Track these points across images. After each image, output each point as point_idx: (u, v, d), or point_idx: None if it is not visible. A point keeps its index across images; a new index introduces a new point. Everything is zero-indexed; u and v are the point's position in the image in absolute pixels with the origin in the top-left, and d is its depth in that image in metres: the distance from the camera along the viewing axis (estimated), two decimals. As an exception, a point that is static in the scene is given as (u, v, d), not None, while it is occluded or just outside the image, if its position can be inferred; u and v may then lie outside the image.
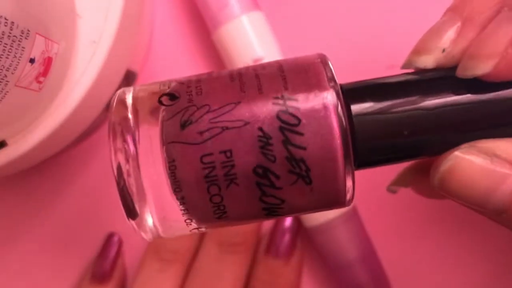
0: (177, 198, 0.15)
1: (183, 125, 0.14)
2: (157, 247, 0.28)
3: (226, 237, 0.27)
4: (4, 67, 0.19)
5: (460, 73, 0.15)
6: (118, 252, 0.29)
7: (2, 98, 0.20)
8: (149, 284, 0.27)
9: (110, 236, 0.29)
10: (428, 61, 0.16)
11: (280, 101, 0.14)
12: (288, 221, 0.28)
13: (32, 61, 0.20)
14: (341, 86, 0.15)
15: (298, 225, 0.28)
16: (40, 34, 0.20)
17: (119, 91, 0.16)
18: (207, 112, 0.14)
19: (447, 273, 0.30)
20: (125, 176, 0.15)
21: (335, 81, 0.15)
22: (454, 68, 0.16)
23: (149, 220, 0.15)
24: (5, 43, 0.18)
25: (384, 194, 0.30)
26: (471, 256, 0.30)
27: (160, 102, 0.15)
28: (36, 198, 0.31)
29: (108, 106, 0.26)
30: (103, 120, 0.28)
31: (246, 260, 0.27)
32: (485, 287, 0.30)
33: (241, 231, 0.27)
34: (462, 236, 0.30)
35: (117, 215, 0.30)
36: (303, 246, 0.30)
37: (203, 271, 0.27)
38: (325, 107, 0.14)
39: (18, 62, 0.20)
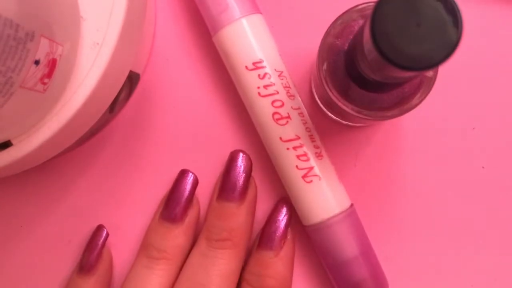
0: None
1: None
2: (146, 243, 0.28)
3: (213, 233, 0.28)
4: (9, 69, 0.19)
5: None
6: (103, 244, 0.29)
7: (7, 99, 0.20)
8: (136, 279, 0.28)
9: (97, 229, 0.30)
10: None
11: None
12: (279, 213, 0.29)
13: (37, 62, 0.20)
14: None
15: (289, 218, 0.29)
16: (44, 36, 0.20)
17: None
18: None
19: (444, 271, 0.30)
20: None
21: None
22: None
23: None
24: (10, 45, 0.19)
25: (382, 192, 0.30)
26: (469, 254, 0.30)
27: None
28: (40, 197, 0.31)
29: (111, 107, 0.26)
30: (107, 121, 0.29)
31: (234, 255, 0.28)
32: (483, 286, 0.30)
33: (227, 227, 0.27)
34: (461, 234, 0.30)
35: (120, 214, 0.31)
36: (302, 244, 0.30)
37: (191, 265, 0.28)
38: None
39: (23, 64, 0.20)
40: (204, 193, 0.30)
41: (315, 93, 0.29)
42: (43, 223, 0.31)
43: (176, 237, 0.28)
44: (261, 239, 0.28)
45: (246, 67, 0.27)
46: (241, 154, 0.28)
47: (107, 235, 0.30)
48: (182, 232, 0.28)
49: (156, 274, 0.28)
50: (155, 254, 0.28)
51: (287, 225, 0.28)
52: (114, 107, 0.27)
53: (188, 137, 0.31)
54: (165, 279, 0.28)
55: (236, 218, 0.28)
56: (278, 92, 0.27)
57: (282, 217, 0.28)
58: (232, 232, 0.27)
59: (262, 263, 0.28)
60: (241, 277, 0.28)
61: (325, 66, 0.24)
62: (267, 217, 0.29)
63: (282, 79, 0.28)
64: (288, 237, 0.28)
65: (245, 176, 0.28)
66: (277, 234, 0.28)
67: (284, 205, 0.29)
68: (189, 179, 0.29)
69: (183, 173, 0.29)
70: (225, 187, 0.28)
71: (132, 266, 0.29)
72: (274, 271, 0.27)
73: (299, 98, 0.28)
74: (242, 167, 0.28)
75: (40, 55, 0.20)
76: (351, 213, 0.28)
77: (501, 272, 0.30)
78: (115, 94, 0.26)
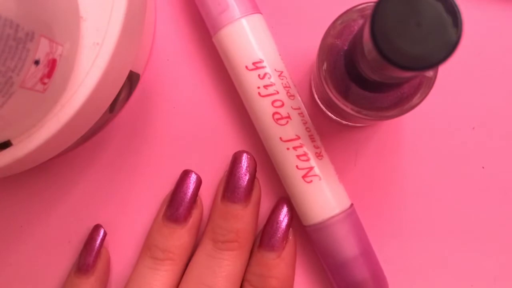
0: None
1: None
2: (149, 244, 0.28)
3: (219, 234, 0.28)
4: (9, 69, 0.19)
5: None
6: (101, 244, 0.29)
7: (7, 99, 0.20)
8: (141, 280, 0.28)
9: (94, 229, 0.30)
10: None
11: None
12: (279, 213, 0.29)
13: (37, 62, 0.20)
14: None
15: (290, 218, 0.28)
16: (44, 36, 0.20)
17: None
18: None
19: (444, 271, 0.30)
20: None
21: None
22: None
23: None
24: (10, 45, 0.19)
25: (382, 192, 0.30)
26: (469, 254, 0.30)
27: None
28: (40, 197, 0.31)
29: (111, 107, 0.26)
30: (107, 121, 0.29)
31: (240, 256, 0.28)
32: (483, 286, 0.30)
33: (234, 229, 0.28)
34: (461, 234, 0.30)
35: (120, 214, 0.31)
36: (302, 244, 0.30)
37: (198, 266, 0.28)
38: None
39: (23, 64, 0.20)
40: (204, 193, 0.30)
41: (315, 93, 0.29)
42: (43, 223, 0.31)
43: (180, 237, 0.28)
44: (263, 240, 0.28)
45: (246, 67, 0.27)
46: (245, 155, 0.28)
47: (105, 234, 0.30)
48: (186, 232, 0.28)
49: (161, 275, 0.28)
50: (160, 255, 0.28)
51: (288, 225, 0.28)
52: (114, 107, 0.27)
53: (188, 137, 0.31)
54: (170, 279, 0.28)
55: (242, 220, 0.28)
56: (278, 92, 0.27)
57: (283, 217, 0.28)
58: (238, 233, 0.28)
59: (264, 264, 0.28)
60: (243, 277, 0.28)
61: (325, 66, 0.24)
62: (268, 217, 0.29)
63: (282, 79, 0.28)
64: (290, 237, 0.28)
65: (250, 177, 0.28)
66: (279, 235, 0.28)
67: (284, 205, 0.29)
68: (192, 179, 0.29)
69: (186, 173, 0.29)
70: (231, 188, 0.28)
71: (135, 267, 0.29)
72: (276, 271, 0.27)
73: (299, 98, 0.28)
74: (247, 168, 0.28)
75: (40, 55, 0.20)
76: (351, 213, 0.28)
77: (501, 272, 0.30)
78: (115, 94, 0.26)
